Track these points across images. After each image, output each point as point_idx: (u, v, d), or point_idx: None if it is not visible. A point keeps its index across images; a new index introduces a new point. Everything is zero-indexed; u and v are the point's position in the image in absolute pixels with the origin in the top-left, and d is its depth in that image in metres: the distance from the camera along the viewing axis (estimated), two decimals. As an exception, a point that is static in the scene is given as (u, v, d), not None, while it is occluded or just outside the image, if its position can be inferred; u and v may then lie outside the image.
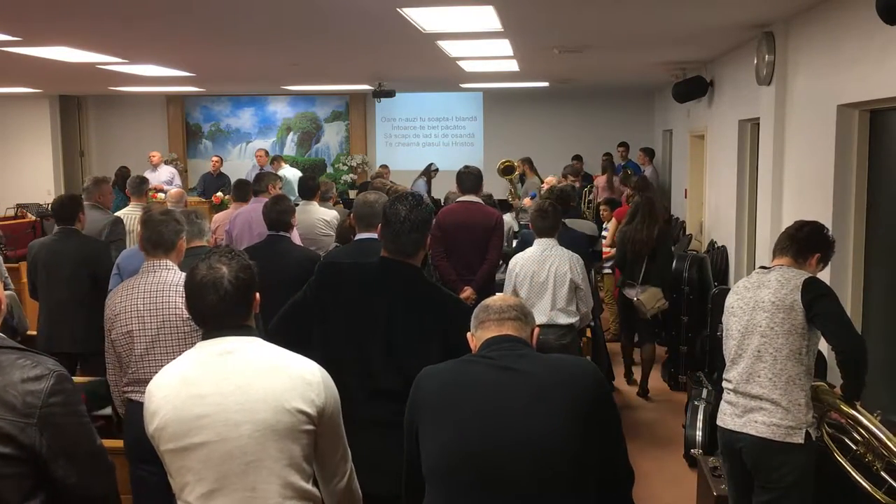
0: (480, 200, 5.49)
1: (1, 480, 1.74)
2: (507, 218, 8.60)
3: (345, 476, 2.20)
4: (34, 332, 4.87)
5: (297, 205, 5.90)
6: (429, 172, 11.16)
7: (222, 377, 2.01)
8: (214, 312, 2.07)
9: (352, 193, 11.73)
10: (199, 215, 4.21)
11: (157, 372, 3.08)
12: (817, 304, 3.10)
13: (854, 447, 3.20)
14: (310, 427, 2.03)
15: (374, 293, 2.73)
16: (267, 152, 11.87)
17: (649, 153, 11.24)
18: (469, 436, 2.01)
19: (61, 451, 1.80)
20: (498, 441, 1.99)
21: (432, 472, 2.06)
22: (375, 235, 3.54)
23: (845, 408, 3.15)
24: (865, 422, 3.11)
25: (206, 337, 2.09)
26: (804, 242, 3.29)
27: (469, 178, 5.47)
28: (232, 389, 1.99)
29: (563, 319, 4.59)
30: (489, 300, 2.29)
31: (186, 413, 1.99)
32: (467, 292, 5.11)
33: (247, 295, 2.10)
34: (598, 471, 2.06)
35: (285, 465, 1.99)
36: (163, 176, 10.83)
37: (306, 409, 2.02)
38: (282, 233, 4.61)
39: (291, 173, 10.29)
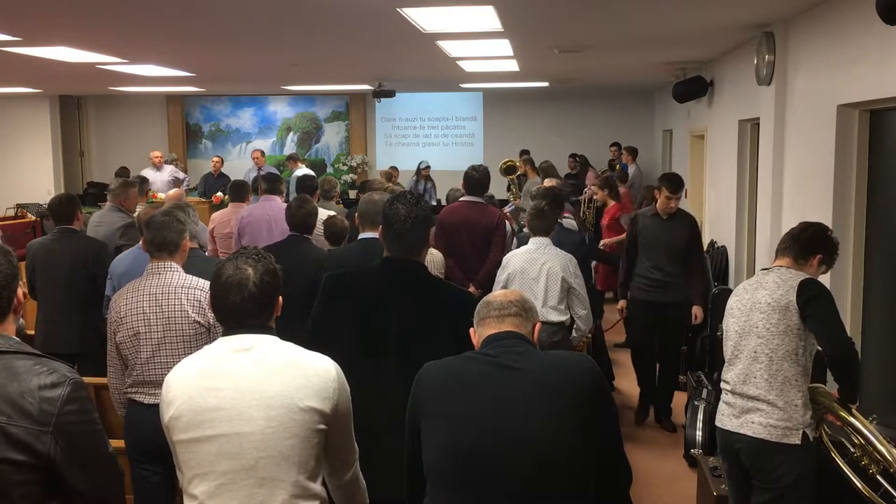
0: (483, 201, 5.51)
1: (14, 487, 1.74)
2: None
3: (352, 468, 2.24)
4: (31, 332, 4.87)
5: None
6: (419, 171, 11.40)
7: (239, 372, 2.04)
8: (237, 312, 2.09)
9: (352, 193, 11.76)
10: (189, 212, 4.05)
11: (162, 374, 3.12)
12: (810, 305, 3.10)
13: (851, 449, 3.20)
14: (322, 426, 2.06)
15: (383, 297, 2.72)
16: (263, 153, 11.88)
17: (632, 151, 11.47)
18: (469, 434, 2.02)
19: (75, 458, 1.80)
20: (497, 439, 2.00)
21: (433, 470, 2.07)
22: (376, 235, 3.54)
23: (841, 412, 3.15)
24: (860, 426, 3.11)
25: (226, 334, 2.12)
26: (806, 243, 3.28)
27: (472, 181, 5.46)
28: (248, 385, 2.02)
29: (555, 317, 4.62)
30: (490, 296, 2.30)
31: (202, 404, 2.01)
32: (471, 290, 5.11)
33: (270, 297, 2.13)
34: (596, 469, 2.07)
35: (295, 463, 2.01)
36: (166, 176, 10.82)
37: (320, 408, 2.04)
38: (304, 235, 4.61)
39: (303, 173, 10.30)
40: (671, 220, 5.42)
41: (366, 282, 2.80)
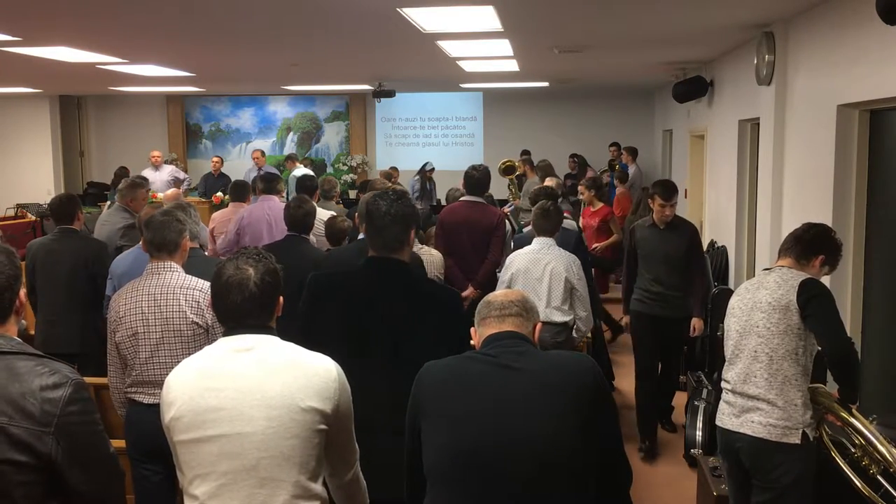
0: (483, 201, 5.53)
1: (15, 488, 1.74)
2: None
3: (353, 468, 2.24)
4: (31, 332, 4.87)
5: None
6: (423, 171, 11.45)
7: (240, 373, 2.04)
8: (237, 312, 2.09)
9: (352, 193, 11.76)
10: (191, 212, 4.04)
11: (161, 374, 3.14)
12: (811, 304, 3.10)
13: (852, 449, 3.21)
14: (323, 426, 2.06)
15: (372, 297, 2.72)
16: (263, 153, 11.89)
17: (632, 152, 11.52)
18: (469, 434, 2.02)
19: (76, 459, 1.80)
20: (498, 440, 2.00)
21: (433, 469, 2.07)
22: None
23: (841, 412, 3.15)
24: (860, 427, 3.10)
25: (227, 334, 2.12)
26: (808, 244, 3.27)
27: (472, 181, 5.48)
28: (248, 385, 2.02)
29: (559, 317, 4.62)
30: (491, 295, 2.30)
31: (202, 405, 2.01)
32: (469, 291, 5.12)
33: (271, 298, 2.13)
34: (596, 469, 2.07)
35: (296, 463, 2.01)
36: (164, 175, 10.82)
37: (321, 408, 2.04)
38: (303, 235, 4.61)
39: (301, 173, 10.31)
40: (669, 230, 5.14)
41: (353, 282, 2.79)
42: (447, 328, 2.66)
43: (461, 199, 5.64)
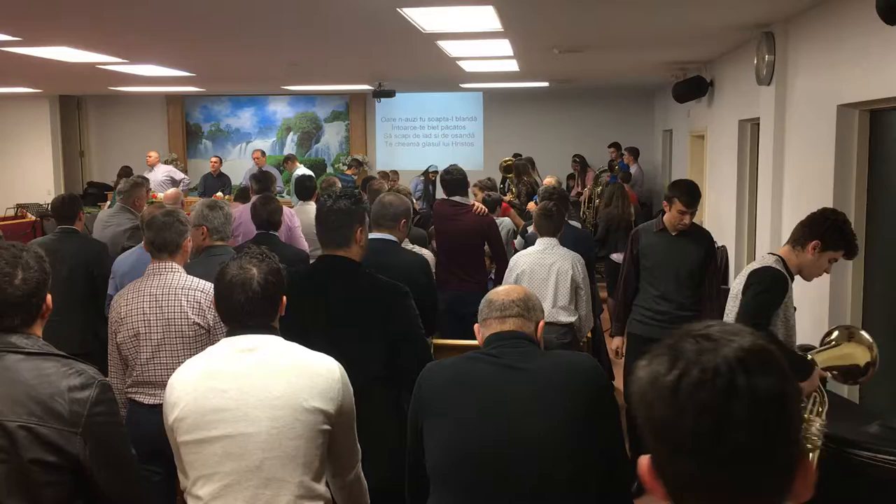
0: (467, 202, 5.52)
1: (43, 488, 1.75)
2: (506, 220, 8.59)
3: (355, 468, 2.25)
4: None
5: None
6: (427, 174, 11.46)
7: (244, 373, 2.04)
8: (241, 312, 2.10)
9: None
10: (225, 211, 4.03)
11: (162, 374, 3.14)
12: (745, 295, 3.13)
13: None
14: (326, 427, 2.06)
15: (315, 295, 2.78)
16: (263, 153, 11.89)
17: (634, 152, 11.60)
18: (472, 434, 2.02)
19: (102, 460, 1.81)
20: (500, 439, 2.00)
21: (435, 469, 2.07)
22: (385, 236, 3.56)
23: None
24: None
25: (230, 334, 2.12)
26: (809, 226, 3.18)
27: (451, 185, 5.46)
28: (252, 385, 2.02)
29: (565, 318, 4.60)
30: (493, 294, 2.29)
31: (206, 405, 2.01)
32: None
33: (274, 297, 2.14)
34: (598, 469, 2.07)
35: (300, 464, 2.01)
36: (159, 176, 10.81)
37: (324, 408, 2.04)
38: (271, 232, 4.63)
39: (302, 173, 10.32)
40: (683, 238, 4.29)
41: (302, 282, 2.84)
42: (394, 323, 2.72)
43: (451, 198, 5.58)
